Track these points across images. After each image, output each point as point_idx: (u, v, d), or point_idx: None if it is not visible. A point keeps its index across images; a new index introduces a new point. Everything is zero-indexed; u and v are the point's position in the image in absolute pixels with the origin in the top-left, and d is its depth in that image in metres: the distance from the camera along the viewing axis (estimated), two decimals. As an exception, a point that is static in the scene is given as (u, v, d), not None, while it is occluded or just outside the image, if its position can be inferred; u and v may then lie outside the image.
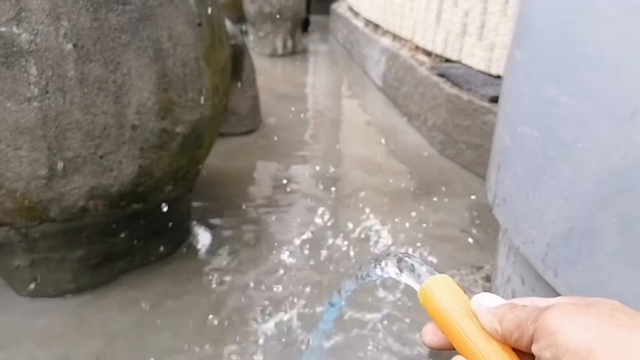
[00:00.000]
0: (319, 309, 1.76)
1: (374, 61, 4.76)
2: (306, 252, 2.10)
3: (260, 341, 1.60)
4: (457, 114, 2.98)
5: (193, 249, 2.08)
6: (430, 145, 3.29)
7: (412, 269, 0.42)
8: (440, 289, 0.40)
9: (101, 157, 1.57)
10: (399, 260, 0.43)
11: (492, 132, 2.74)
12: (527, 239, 0.77)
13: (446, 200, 2.62)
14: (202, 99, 1.75)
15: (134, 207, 1.74)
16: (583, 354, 0.31)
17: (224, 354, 1.54)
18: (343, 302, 0.51)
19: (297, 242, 2.16)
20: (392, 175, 2.90)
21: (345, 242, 2.17)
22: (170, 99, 1.65)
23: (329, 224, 2.32)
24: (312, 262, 2.03)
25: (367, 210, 2.49)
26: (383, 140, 3.44)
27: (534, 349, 0.34)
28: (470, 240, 2.24)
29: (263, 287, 1.86)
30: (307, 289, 1.86)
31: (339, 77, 5.24)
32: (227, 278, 1.91)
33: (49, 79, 1.45)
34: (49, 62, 1.43)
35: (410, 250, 2.10)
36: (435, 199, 2.63)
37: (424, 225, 2.36)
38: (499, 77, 2.99)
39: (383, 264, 0.44)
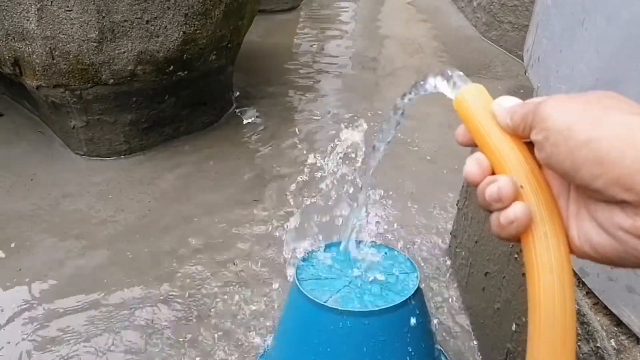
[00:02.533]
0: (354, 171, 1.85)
1: (421, -63, 4.50)
2: (341, 124, 2.16)
3: (290, 198, 1.70)
4: (505, -7, 2.86)
5: (234, 119, 2.17)
6: (473, 26, 3.20)
7: (450, 80, 0.47)
8: (471, 97, 0.45)
9: (147, 22, 1.62)
10: (440, 75, 0.48)
11: (540, 11, 2.63)
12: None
13: (486, 82, 2.60)
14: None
15: (179, 74, 1.81)
16: (564, 132, 0.35)
17: (258, 210, 1.66)
18: (399, 116, 0.58)
19: (331, 114, 2.21)
20: (432, 56, 2.87)
21: (380, 119, 2.21)
22: (212, -35, 1.65)
23: (365, 101, 2.36)
24: (347, 132, 2.09)
25: (405, 90, 2.49)
26: (425, 21, 3.36)
27: (531, 136, 0.38)
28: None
29: (297, 152, 1.94)
30: (341, 150, 1.94)
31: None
32: (264, 146, 2.00)
33: (95, -60, 1.47)
34: None
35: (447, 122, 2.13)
36: (475, 81, 2.60)
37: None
38: (553, -47, 2.82)
39: (426, 79, 0.50)
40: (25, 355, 1.18)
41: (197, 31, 1.72)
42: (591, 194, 0.37)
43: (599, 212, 0.37)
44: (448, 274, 1.43)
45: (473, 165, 0.43)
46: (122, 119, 1.81)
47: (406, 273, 1.11)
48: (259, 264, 1.43)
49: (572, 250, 0.40)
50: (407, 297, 1.02)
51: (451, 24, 3.30)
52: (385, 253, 1.18)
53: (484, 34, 3.07)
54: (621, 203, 0.35)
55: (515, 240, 0.41)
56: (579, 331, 0.79)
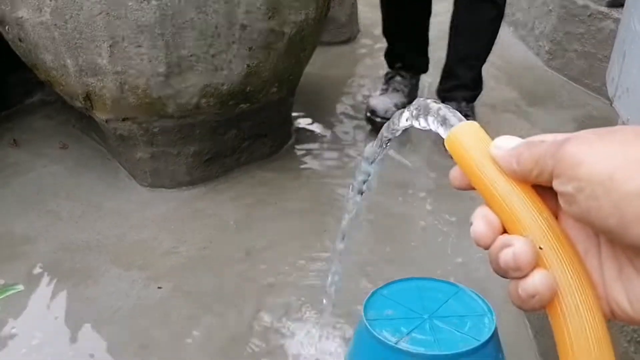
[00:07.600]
0: (411, 203, 1.80)
1: (479, -33, 4.47)
2: (399, 155, 2.12)
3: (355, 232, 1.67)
4: (570, 21, 2.78)
5: (293, 151, 2.17)
6: (536, 55, 3.12)
7: (440, 117, 0.41)
8: (465, 137, 0.39)
9: (213, 56, 1.65)
10: (428, 108, 0.42)
11: (608, 39, 2.54)
12: (651, 127, 0.75)
13: (551, 112, 2.51)
14: (307, -1, 1.76)
15: (242, 106, 1.83)
16: (606, 183, 0.29)
17: (320, 242, 1.63)
18: (378, 156, 0.51)
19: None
20: (493, 87, 2.80)
21: (440, 148, 2.17)
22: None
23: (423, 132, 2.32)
24: (405, 166, 2.06)
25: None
26: (485, 51, 3.30)
27: (555, 185, 0.32)
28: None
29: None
30: (396, 189, 1.91)
31: (440, -15, 4.99)
32: (324, 177, 1.99)
33: (166, -22, 1.51)
34: (165, -39, 1.48)
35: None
36: (539, 111, 2.53)
37: (529, 136, 2.30)
38: (620, -21, 2.73)
39: (412, 112, 0.44)
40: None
41: (260, 64, 1.74)
42: None
43: None
44: (520, 316, 1.36)
45: (481, 224, 0.36)
46: (185, 151, 1.84)
47: (481, 314, 1.05)
48: (323, 298, 1.40)
49: (617, 316, 0.34)
50: (484, 340, 0.96)
51: (512, 53, 3.22)
52: (458, 292, 1.13)
53: (547, 62, 2.99)
54: None
55: (541, 309, 0.35)
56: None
